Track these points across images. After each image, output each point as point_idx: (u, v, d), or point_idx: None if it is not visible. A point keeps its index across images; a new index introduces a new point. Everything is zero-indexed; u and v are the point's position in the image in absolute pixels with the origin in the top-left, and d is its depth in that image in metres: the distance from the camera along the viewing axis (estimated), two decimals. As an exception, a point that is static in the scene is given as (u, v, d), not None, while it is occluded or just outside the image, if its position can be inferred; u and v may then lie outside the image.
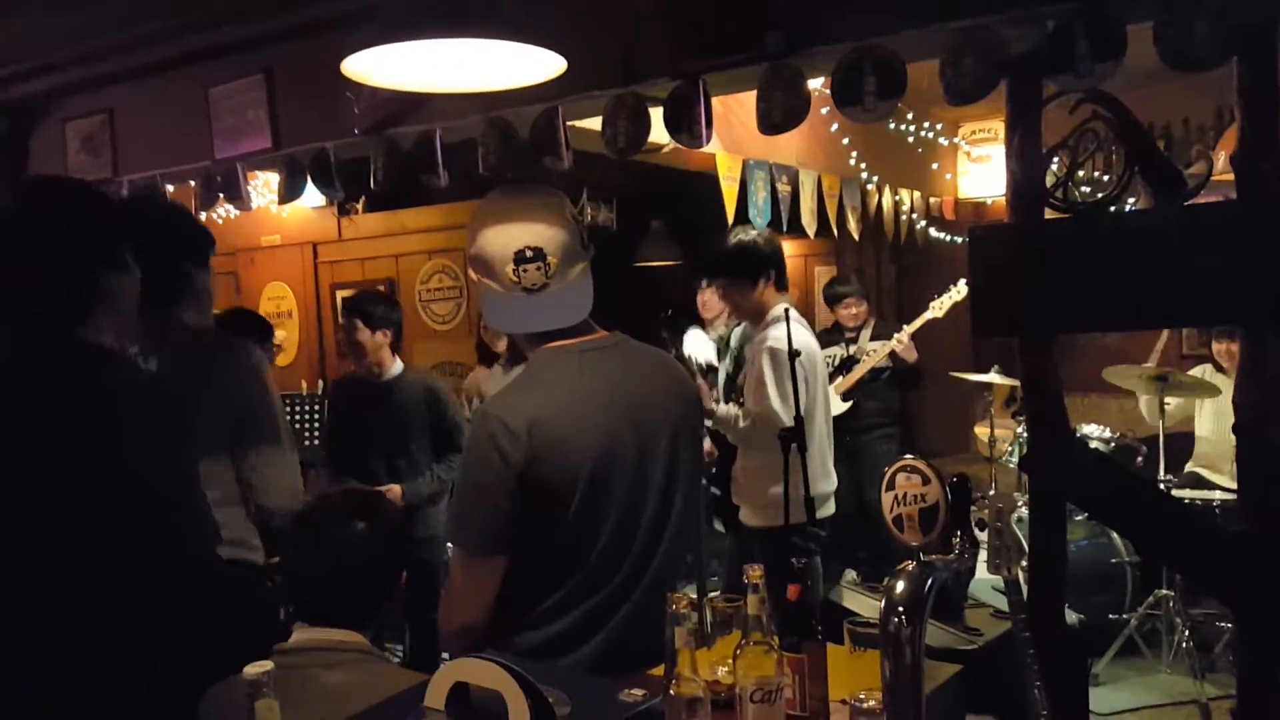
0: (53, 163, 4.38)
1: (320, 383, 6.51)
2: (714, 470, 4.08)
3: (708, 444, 4.03)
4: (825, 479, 3.67)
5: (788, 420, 3.28)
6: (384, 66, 2.11)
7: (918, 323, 5.32)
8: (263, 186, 5.09)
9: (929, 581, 1.29)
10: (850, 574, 3.94)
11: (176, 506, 1.75)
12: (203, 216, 4.86)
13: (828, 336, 5.73)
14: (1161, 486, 4.44)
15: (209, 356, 2.49)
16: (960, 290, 5.22)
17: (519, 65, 2.15)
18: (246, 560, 2.50)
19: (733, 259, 3.66)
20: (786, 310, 3.36)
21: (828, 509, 3.66)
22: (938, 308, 5.32)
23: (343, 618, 1.81)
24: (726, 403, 3.85)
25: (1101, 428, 5.02)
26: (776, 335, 3.45)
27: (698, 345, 5.22)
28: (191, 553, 1.79)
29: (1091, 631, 4.29)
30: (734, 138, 4.31)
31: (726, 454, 3.90)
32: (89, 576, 1.63)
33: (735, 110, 4.04)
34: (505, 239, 1.85)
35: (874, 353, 5.35)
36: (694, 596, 1.42)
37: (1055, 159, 2.24)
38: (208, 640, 1.76)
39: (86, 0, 3.43)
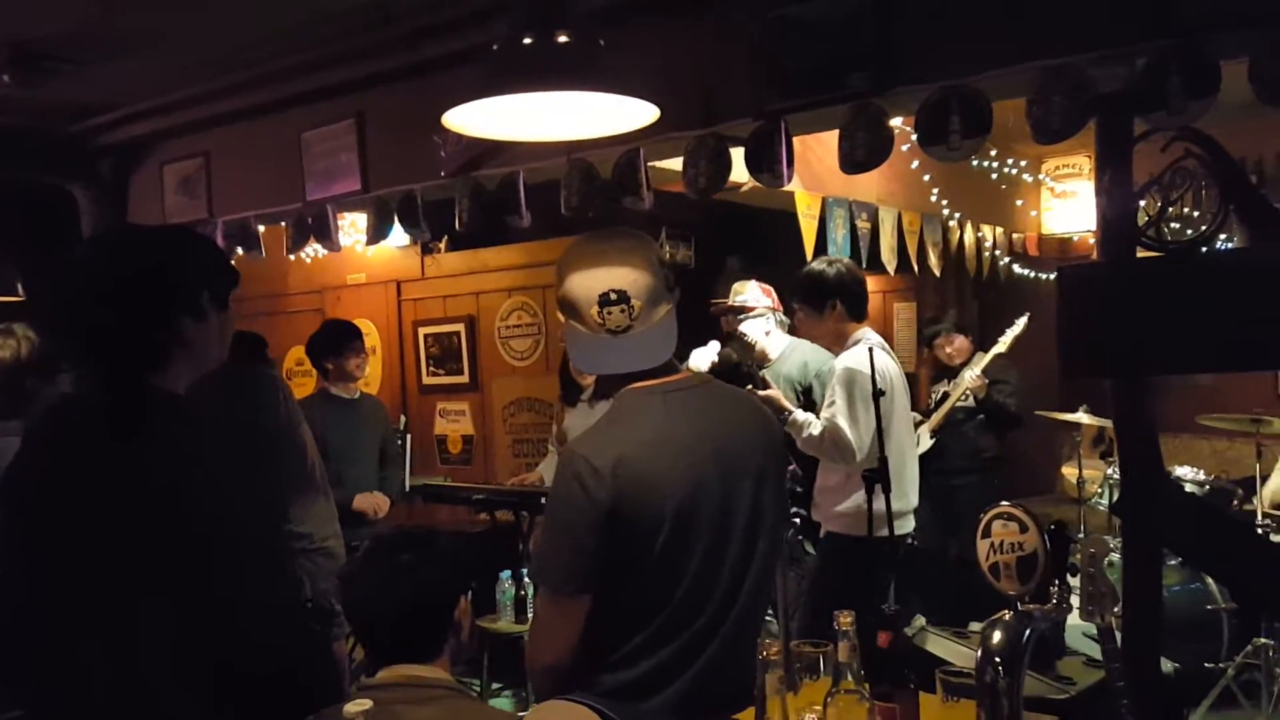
0: (151, 204, 4.55)
1: (403, 418, 6.60)
2: (798, 489, 4.05)
3: (792, 464, 4.05)
4: (899, 498, 3.66)
5: (853, 439, 3.42)
6: (480, 117, 2.16)
7: (985, 359, 5.25)
8: (349, 226, 5.21)
9: (1027, 632, 1.27)
10: (920, 620, 3.84)
11: (262, 540, 1.77)
12: (292, 257, 5.04)
13: (934, 375, 5.67)
14: (1260, 531, 4.28)
15: (228, 388, 2.46)
16: (1021, 324, 5.20)
17: (610, 113, 2.18)
18: None
19: (799, 286, 3.85)
20: (868, 344, 3.39)
21: (904, 525, 3.70)
22: (1002, 344, 5.24)
23: (409, 653, 1.84)
24: None
25: (1195, 470, 4.86)
26: (854, 358, 3.55)
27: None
28: (274, 577, 1.80)
29: (1187, 681, 4.13)
30: (813, 175, 4.31)
31: (809, 475, 3.91)
32: (179, 617, 1.65)
33: (814, 148, 4.04)
34: (590, 282, 1.87)
35: (955, 388, 5.28)
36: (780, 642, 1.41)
37: (1145, 197, 2.21)
38: (296, 649, 1.78)
39: (187, 47, 3.57)
